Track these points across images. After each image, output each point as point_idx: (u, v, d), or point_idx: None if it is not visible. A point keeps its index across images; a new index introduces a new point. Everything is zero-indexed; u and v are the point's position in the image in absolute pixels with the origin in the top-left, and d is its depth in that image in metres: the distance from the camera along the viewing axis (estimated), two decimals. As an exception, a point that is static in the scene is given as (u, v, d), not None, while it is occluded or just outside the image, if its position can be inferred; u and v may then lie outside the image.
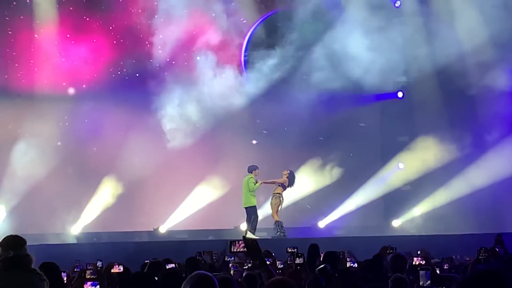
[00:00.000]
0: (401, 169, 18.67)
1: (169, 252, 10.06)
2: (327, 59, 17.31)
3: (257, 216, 15.75)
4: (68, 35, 17.03)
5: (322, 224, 18.38)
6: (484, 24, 16.51)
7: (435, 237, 15.06)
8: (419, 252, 9.62)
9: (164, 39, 17.23)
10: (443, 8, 17.27)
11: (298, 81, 17.70)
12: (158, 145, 17.25)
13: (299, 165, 17.85)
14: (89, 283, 5.85)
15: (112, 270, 7.07)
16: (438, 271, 7.89)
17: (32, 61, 16.95)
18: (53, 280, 4.95)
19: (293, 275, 6.89)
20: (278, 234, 15.53)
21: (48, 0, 16.86)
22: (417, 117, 18.14)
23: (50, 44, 16.94)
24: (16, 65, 16.85)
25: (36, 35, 16.89)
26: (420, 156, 17.79)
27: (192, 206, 17.55)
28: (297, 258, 7.57)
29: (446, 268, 8.66)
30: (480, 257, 8.64)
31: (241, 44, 18.19)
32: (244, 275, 7.03)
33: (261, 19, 18.22)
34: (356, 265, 8.36)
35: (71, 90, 17.31)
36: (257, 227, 15.73)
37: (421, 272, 6.29)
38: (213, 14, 17.41)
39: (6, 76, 16.72)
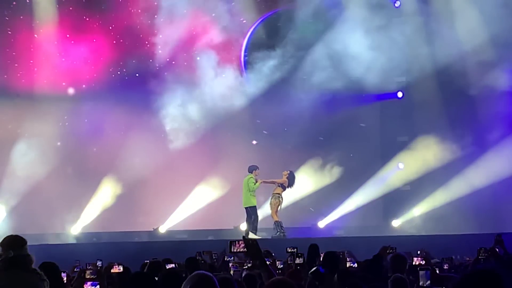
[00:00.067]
0: (401, 169, 18.66)
1: (169, 252, 10.05)
2: (327, 59, 17.31)
3: (257, 216, 15.75)
4: (68, 35, 17.03)
5: (322, 224, 18.37)
6: (484, 23, 16.50)
7: (435, 237, 15.05)
8: (419, 252, 9.62)
9: (164, 39, 17.23)
10: (443, 8, 17.26)
11: (298, 81, 17.71)
12: (158, 145, 17.25)
13: (299, 165, 17.85)
14: (89, 283, 5.84)
15: (112, 270, 7.07)
16: (437, 271, 7.88)
17: (31, 61, 16.95)
18: (53, 280, 4.95)
19: (293, 275, 6.89)
20: (278, 234, 15.53)
21: (47, 0, 16.86)
22: (417, 117, 18.14)
23: (50, 44, 16.94)
24: (16, 65, 16.85)
25: (35, 35, 16.88)
26: (420, 156, 17.78)
27: (192, 206, 17.55)
28: (297, 258, 7.57)
29: (446, 268, 8.66)
30: (480, 257, 8.65)
31: (241, 44, 18.19)
32: (243, 275, 7.03)
33: (261, 19, 18.22)
34: (356, 265, 8.35)
35: (71, 90, 17.30)
36: (257, 227, 15.73)
37: (421, 272, 6.29)
38: (213, 14, 17.40)
39: (5, 76, 16.72)
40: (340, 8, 17.76)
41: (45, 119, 16.65)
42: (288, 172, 16.11)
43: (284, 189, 16.00)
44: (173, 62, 17.47)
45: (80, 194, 17.00)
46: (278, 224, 15.62)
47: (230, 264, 8.42)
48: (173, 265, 7.89)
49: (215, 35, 17.34)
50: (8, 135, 16.67)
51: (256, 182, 15.66)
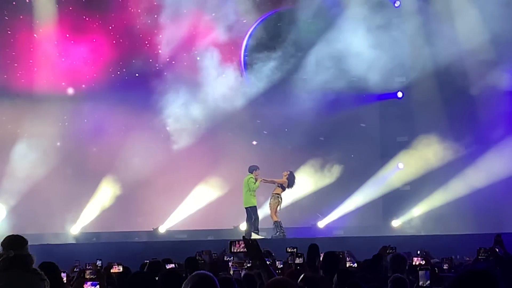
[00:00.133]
0: (401, 169, 18.66)
1: (168, 252, 10.05)
2: (327, 59, 17.31)
3: (257, 217, 15.74)
4: (67, 35, 17.02)
5: (321, 224, 18.38)
6: (485, 23, 16.48)
7: (434, 237, 15.05)
8: (418, 252, 9.62)
9: (164, 39, 17.22)
10: (443, 7, 17.25)
11: (298, 81, 17.71)
12: (158, 145, 17.25)
13: (299, 165, 17.85)
14: (89, 283, 5.84)
15: (111, 270, 7.07)
16: (437, 271, 7.89)
17: (31, 61, 16.94)
18: (52, 280, 4.94)
19: (292, 275, 6.88)
20: (277, 234, 15.53)
21: (47, 0, 16.85)
22: (416, 117, 18.14)
23: (50, 44, 16.93)
24: (16, 65, 16.84)
25: (35, 35, 16.88)
26: (420, 156, 17.78)
27: (192, 206, 17.55)
28: (297, 258, 7.56)
29: (446, 268, 8.66)
30: (479, 257, 8.65)
31: (241, 44, 18.18)
32: (242, 275, 7.03)
33: (261, 19, 18.21)
34: (355, 265, 8.35)
35: (71, 90, 17.29)
36: (258, 227, 15.73)
37: (421, 272, 6.30)
38: (213, 14, 17.40)
39: (5, 76, 16.70)
40: (340, 7, 17.76)
41: (45, 119, 16.64)
42: (288, 172, 16.10)
43: (284, 190, 16.00)
44: (173, 62, 17.47)
45: (80, 194, 17.00)
46: (277, 224, 15.62)
47: (230, 264, 8.42)
48: (173, 265, 7.88)
49: (215, 35, 17.34)
50: (8, 135, 16.67)
51: (256, 181, 15.65)
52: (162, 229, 17.43)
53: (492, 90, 16.72)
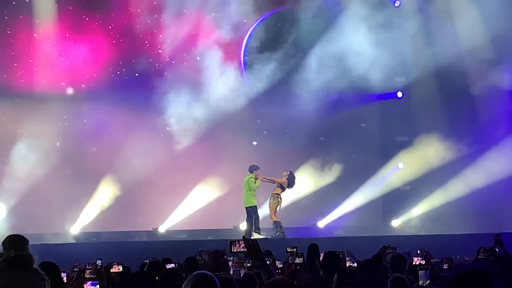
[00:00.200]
0: (401, 169, 18.67)
1: (168, 252, 10.04)
2: (327, 59, 17.31)
3: (258, 216, 15.73)
4: (67, 35, 17.01)
5: (321, 224, 18.38)
6: (486, 22, 16.47)
7: (434, 237, 15.05)
8: (418, 252, 9.62)
9: (164, 39, 17.22)
10: (443, 7, 17.24)
11: (298, 81, 17.71)
12: (158, 145, 17.25)
13: (299, 165, 17.85)
14: (89, 282, 5.83)
15: (111, 270, 7.06)
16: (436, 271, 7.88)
17: (31, 61, 16.93)
18: (53, 280, 4.95)
19: (292, 275, 6.88)
20: (277, 234, 15.52)
21: (47, 0, 16.84)
22: (417, 117, 18.14)
23: (49, 44, 16.92)
24: (15, 64, 16.83)
25: (35, 35, 16.87)
26: (420, 156, 17.78)
27: (192, 206, 17.55)
28: (297, 258, 7.56)
29: (446, 268, 8.65)
30: (479, 257, 8.64)
31: (241, 44, 18.18)
32: (242, 275, 7.03)
33: (261, 19, 18.20)
34: (355, 264, 8.35)
35: (70, 90, 17.28)
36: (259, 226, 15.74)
37: (421, 272, 6.29)
38: (213, 14, 17.40)
39: (5, 76, 16.70)
40: (340, 7, 17.76)
41: (45, 119, 16.63)
42: (288, 172, 16.09)
43: (284, 190, 15.99)
44: (173, 62, 17.46)
45: (80, 194, 17.00)
46: (277, 224, 15.61)
47: (230, 264, 8.41)
48: (173, 264, 7.87)
49: (215, 35, 17.34)
50: (8, 135, 16.66)
51: (256, 180, 15.64)
52: (162, 229, 17.43)
53: (492, 89, 16.71)
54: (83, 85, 17.30)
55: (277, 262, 8.32)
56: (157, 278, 5.52)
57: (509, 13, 16.24)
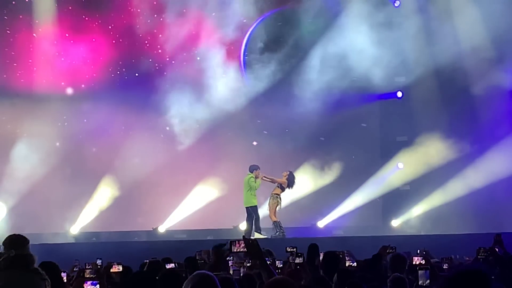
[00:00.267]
0: (401, 169, 18.67)
1: (168, 252, 10.03)
2: (327, 59, 17.31)
3: (258, 216, 15.72)
4: (67, 35, 17.02)
5: (321, 224, 18.38)
6: (486, 21, 16.46)
7: (434, 237, 15.04)
8: (418, 252, 9.61)
9: (164, 38, 17.22)
10: (443, 6, 17.24)
11: (298, 81, 17.70)
12: (158, 145, 17.25)
13: (299, 165, 17.85)
14: (89, 282, 5.83)
15: (111, 270, 7.05)
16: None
17: (30, 61, 16.94)
18: (53, 280, 4.94)
19: (292, 274, 6.88)
20: (277, 234, 15.52)
21: (47, 0, 16.85)
22: (417, 117, 18.14)
23: (49, 44, 16.93)
24: (15, 64, 16.83)
25: (35, 35, 16.87)
26: (420, 156, 17.78)
27: (192, 206, 17.55)
28: (297, 258, 7.56)
29: (446, 268, 8.65)
30: (479, 256, 8.64)
31: (241, 44, 18.17)
32: (241, 275, 7.03)
33: (261, 19, 18.20)
34: (355, 264, 8.35)
35: (70, 90, 17.29)
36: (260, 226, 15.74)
37: (420, 272, 6.29)
38: (213, 14, 17.40)
39: (5, 76, 16.70)
40: (340, 7, 17.76)
41: (44, 119, 16.64)
42: (288, 172, 16.09)
43: (283, 190, 15.98)
44: (173, 62, 17.46)
45: (79, 194, 17.00)
46: (277, 224, 15.61)
47: (230, 263, 8.41)
48: (173, 264, 7.87)
49: (215, 35, 17.34)
50: (7, 135, 16.66)
51: (257, 178, 15.64)
52: (161, 229, 17.43)
53: (493, 89, 16.70)
54: (83, 85, 17.30)
55: (277, 262, 8.31)
56: (157, 278, 5.51)
57: (509, 12, 16.22)
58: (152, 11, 17.12)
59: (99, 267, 7.79)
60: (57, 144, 17.11)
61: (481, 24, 16.58)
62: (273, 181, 16.01)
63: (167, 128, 17.39)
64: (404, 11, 17.82)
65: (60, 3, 16.94)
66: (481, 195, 16.67)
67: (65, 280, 6.44)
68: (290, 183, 16.02)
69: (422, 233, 17.22)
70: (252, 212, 15.61)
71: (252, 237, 13.81)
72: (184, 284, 3.85)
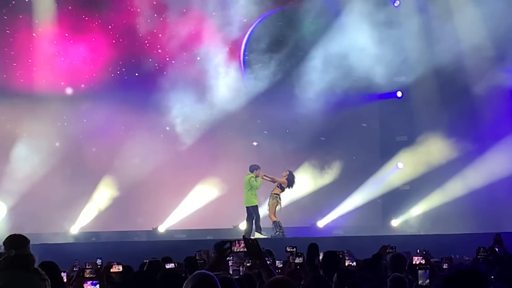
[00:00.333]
0: (400, 168, 18.67)
1: (167, 252, 10.03)
2: (327, 59, 17.31)
3: (259, 216, 15.72)
4: (66, 34, 17.00)
5: (321, 223, 18.38)
6: (486, 20, 16.45)
7: (434, 236, 15.05)
8: (418, 251, 9.62)
9: (164, 38, 17.22)
10: (443, 5, 17.23)
11: (298, 81, 17.70)
12: (158, 145, 17.24)
13: (299, 164, 17.85)
14: (88, 282, 5.83)
15: (111, 270, 7.05)
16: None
17: (30, 61, 16.93)
18: (53, 280, 4.94)
19: (292, 274, 6.88)
20: (277, 233, 15.53)
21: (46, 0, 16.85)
22: (416, 116, 18.14)
23: (49, 44, 16.91)
24: (15, 64, 16.82)
25: (34, 34, 16.86)
26: (420, 156, 17.78)
27: (191, 206, 17.55)
28: (297, 258, 7.56)
29: (445, 268, 8.65)
30: (479, 256, 8.65)
31: (241, 44, 18.17)
32: (241, 274, 7.03)
33: (260, 19, 18.19)
34: (354, 263, 8.35)
35: (70, 90, 17.28)
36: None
37: (420, 272, 6.29)
38: (213, 13, 17.39)
39: (4, 76, 16.69)
40: (339, 7, 17.76)
41: (44, 119, 16.63)
42: (288, 172, 16.09)
43: (283, 190, 15.98)
44: (173, 62, 17.46)
45: (79, 194, 16.99)
46: (277, 224, 15.61)
47: (231, 263, 8.41)
48: (173, 264, 7.87)
49: (215, 34, 17.33)
50: (7, 135, 16.65)
51: (257, 177, 15.64)
52: (161, 229, 17.43)
53: (493, 88, 16.69)
54: (82, 85, 17.29)
55: (277, 261, 8.32)
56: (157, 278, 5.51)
57: (510, 11, 16.21)
58: (152, 11, 17.11)
59: (99, 267, 7.78)
60: (57, 144, 17.10)
61: (481, 23, 16.57)
62: (273, 181, 16.01)
63: (167, 128, 17.39)
64: (404, 11, 17.82)
65: (59, 3, 16.93)
66: (481, 195, 16.67)
67: (65, 280, 6.44)
68: (290, 183, 16.02)
69: (422, 233, 17.22)
70: (252, 212, 15.61)
71: (252, 237, 13.81)
72: (184, 284, 3.85)
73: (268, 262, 5.70)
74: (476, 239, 11.27)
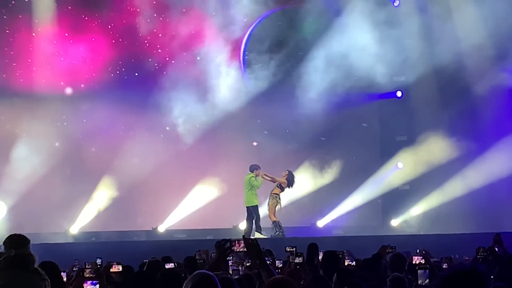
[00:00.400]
0: (400, 168, 18.67)
1: (167, 252, 10.03)
2: (327, 59, 17.30)
3: (259, 216, 15.71)
4: (66, 34, 17.01)
5: (321, 223, 18.38)
6: (486, 20, 16.44)
7: (434, 236, 15.04)
8: (418, 251, 9.62)
9: (163, 38, 17.21)
10: (443, 5, 17.23)
11: (298, 81, 17.70)
12: (157, 144, 17.24)
13: (299, 164, 17.85)
14: (88, 282, 5.82)
15: (111, 270, 7.06)
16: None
17: (30, 61, 16.93)
18: (53, 280, 4.94)
19: (292, 274, 6.88)
20: (277, 233, 15.53)
21: (46, -1, 16.87)
22: (416, 116, 18.14)
23: (49, 43, 16.92)
24: (14, 64, 16.82)
25: (34, 34, 16.86)
26: (419, 156, 17.78)
27: (191, 206, 17.55)
28: (296, 258, 7.56)
29: (445, 268, 8.65)
30: (478, 256, 8.65)
31: (241, 43, 18.17)
32: (241, 274, 7.03)
33: (261, 18, 18.19)
34: (354, 263, 8.35)
35: (69, 90, 17.28)
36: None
37: (420, 271, 6.29)
38: (213, 13, 17.39)
39: (4, 76, 16.69)
40: (339, 7, 17.75)
41: (44, 119, 16.63)
42: (287, 172, 16.09)
43: (283, 190, 15.98)
44: (173, 62, 17.46)
45: (79, 194, 16.99)
46: (276, 224, 15.61)
47: (230, 263, 8.41)
48: (173, 264, 7.87)
49: (215, 34, 17.33)
50: (6, 135, 16.65)
51: (257, 177, 15.64)
52: (161, 229, 17.43)
53: (493, 88, 16.69)
54: (82, 85, 17.29)
55: (277, 261, 8.32)
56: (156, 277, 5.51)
57: (510, 11, 16.20)
58: (152, 11, 17.11)
59: (98, 266, 7.79)
60: (57, 144, 17.10)
61: (481, 22, 16.56)
62: (273, 180, 16.01)
63: (167, 128, 17.39)
64: (404, 11, 17.82)
65: (59, 2, 16.93)
66: (481, 194, 16.67)
67: (65, 280, 6.44)
68: (290, 182, 16.02)
69: (422, 233, 17.21)
70: (252, 212, 15.61)
71: (252, 237, 13.81)
72: (184, 284, 3.85)
73: (268, 262, 5.70)
74: (475, 239, 11.27)
